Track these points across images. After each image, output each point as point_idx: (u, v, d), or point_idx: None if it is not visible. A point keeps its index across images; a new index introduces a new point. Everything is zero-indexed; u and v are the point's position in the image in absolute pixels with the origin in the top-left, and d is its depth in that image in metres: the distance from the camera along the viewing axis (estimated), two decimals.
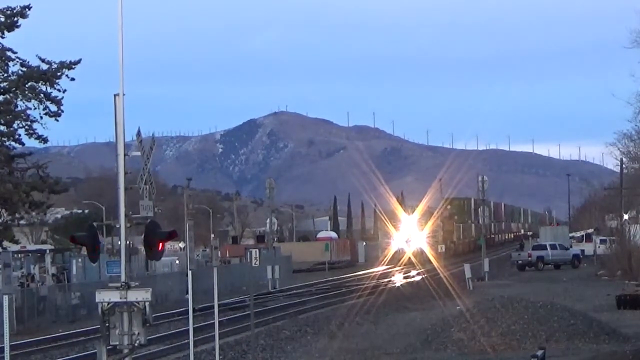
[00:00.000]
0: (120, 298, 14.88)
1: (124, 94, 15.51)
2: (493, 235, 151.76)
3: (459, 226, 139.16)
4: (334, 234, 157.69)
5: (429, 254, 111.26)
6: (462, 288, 62.43)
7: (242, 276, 79.35)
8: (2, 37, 63.47)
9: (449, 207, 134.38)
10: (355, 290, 67.01)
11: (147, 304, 14.95)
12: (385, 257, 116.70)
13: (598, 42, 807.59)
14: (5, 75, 64.28)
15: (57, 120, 64.91)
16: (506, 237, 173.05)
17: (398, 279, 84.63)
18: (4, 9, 63.17)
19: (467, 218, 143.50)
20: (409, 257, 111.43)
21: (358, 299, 59.08)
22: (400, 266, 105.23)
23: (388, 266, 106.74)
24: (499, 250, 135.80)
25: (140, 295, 14.90)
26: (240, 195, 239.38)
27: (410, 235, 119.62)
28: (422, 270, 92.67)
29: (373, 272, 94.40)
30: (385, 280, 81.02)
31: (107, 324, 15.11)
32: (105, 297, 14.96)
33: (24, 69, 63.76)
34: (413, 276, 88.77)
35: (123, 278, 14.97)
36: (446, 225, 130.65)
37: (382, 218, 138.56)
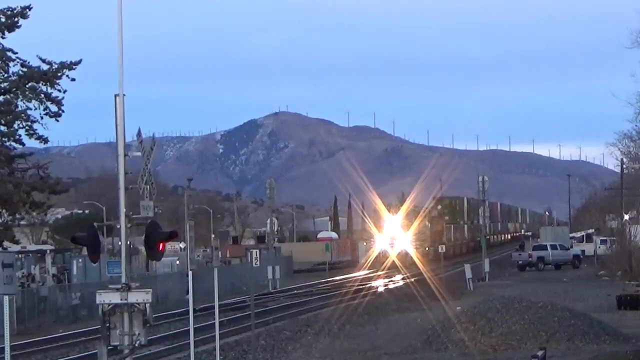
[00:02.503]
0: (121, 300, 14.88)
1: (124, 95, 15.50)
2: (488, 236, 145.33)
3: (449, 227, 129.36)
4: (334, 234, 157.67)
5: (414, 256, 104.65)
6: (454, 297, 60.46)
7: (243, 276, 79.28)
8: (3, 38, 63.54)
9: (439, 207, 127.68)
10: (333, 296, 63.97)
11: (147, 305, 14.95)
12: (368, 260, 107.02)
13: (598, 42, 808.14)
14: (6, 75, 64.32)
15: (58, 121, 65.00)
16: (503, 237, 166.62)
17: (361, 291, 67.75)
18: (4, 9, 63.20)
19: (459, 218, 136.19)
20: (393, 260, 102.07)
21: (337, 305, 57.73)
22: (382, 270, 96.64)
23: (369, 270, 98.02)
24: (495, 251, 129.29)
25: (141, 297, 14.91)
26: (240, 195, 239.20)
27: (394, 236, 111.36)
28: (406, 274, 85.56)
29: (347, 278, 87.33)
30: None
31: (108, 325, 15.11)
32: (106, 298, 14.97)
33: (25, 69, 63.79)
34: (383, 287, 76.18)
35: (123, 279, 14.95)
36: (435, 225, 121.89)
37: (365, 219, 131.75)
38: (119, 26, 15.40)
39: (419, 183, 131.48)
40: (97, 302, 15.00)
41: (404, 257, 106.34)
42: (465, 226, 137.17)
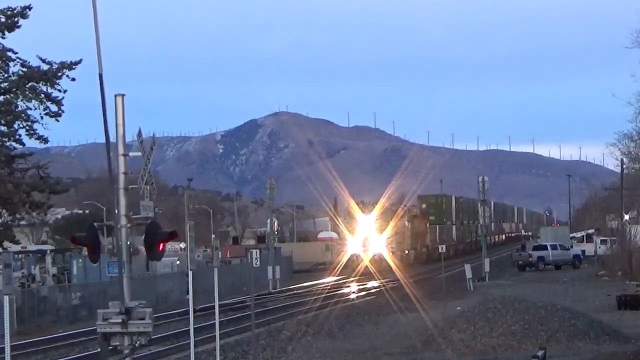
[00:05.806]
0: (122, 328, 14.88)
1: (120, 95, 15.47)
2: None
3: (434, 227, 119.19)
4: (334, 235, 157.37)
5: (390, 260, 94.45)
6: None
7: (243, 276, 79.29)
8: (3, 38, 63.57)
9: (423, 205, 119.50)
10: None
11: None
12: (338, 265, 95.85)
13: (598, 42, 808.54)
14: (6, 75, 64.34)
15: (58, 121, 65.03)
16: (497, 238, 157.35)
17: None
18: (4, 9, 63.22)
19: (445, 219, 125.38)
20: (366, 266, 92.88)
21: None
22: (354, 276, 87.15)
23: (338, 277, 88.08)
24: (489, 253, 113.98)
25: (142, 327, 14.88)
26: (240, 195, 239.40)
27: (367, 238, 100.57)
28: (382, 282, 77.49)
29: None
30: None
31: None
32: (107, 328, 14.97)
33: (25, 69, 63.81)
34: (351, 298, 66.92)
35: (123, 306, 14.81)
36: (417, 226, 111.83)
37: (335, 220, 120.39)
38: (95, 23, 15.08)
39: (395, 180, 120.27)
40: (98, 330, 15.01)
41: (379, 261, 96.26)
42: (454, 227, 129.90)
